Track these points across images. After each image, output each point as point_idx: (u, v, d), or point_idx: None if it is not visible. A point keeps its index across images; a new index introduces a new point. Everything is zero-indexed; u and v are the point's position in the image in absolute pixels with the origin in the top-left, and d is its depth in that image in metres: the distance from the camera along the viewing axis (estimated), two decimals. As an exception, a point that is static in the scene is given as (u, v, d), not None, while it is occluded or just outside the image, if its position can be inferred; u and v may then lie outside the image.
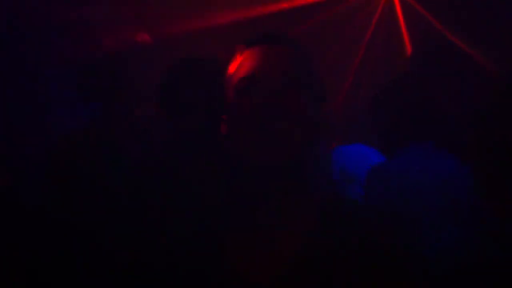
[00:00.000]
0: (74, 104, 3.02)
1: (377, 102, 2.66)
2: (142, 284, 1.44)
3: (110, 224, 2.30)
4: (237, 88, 1.35)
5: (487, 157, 1.97)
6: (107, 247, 2.28)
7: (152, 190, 2.22)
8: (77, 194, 2.44)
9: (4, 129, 3.50)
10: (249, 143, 1.29)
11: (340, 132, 3.29)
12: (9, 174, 2.85)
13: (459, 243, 2.14)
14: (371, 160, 2.89)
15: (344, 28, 5.63)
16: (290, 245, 1.32)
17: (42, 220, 2.44)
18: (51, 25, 3.94)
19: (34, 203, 2.59)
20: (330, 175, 2.74)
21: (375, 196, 2.43)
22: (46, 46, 3.85)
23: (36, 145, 3.16)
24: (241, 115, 1.32)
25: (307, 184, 1.38)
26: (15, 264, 2.29)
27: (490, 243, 1.69)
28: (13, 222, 2.42)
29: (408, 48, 5.44)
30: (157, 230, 1.88)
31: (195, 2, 4.68)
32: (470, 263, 1.68)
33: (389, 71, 4.85)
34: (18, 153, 3.13)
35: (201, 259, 1.36)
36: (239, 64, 1.39)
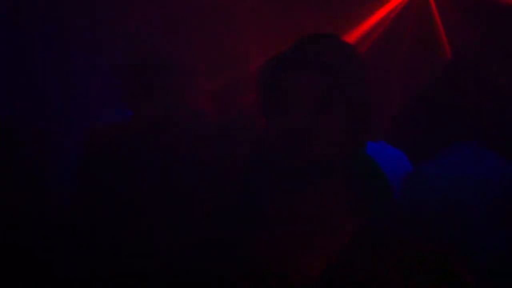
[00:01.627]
0: (111, 101, 3.02)
1: (418, 102, 2.57)
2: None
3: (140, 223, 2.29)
4: (269, 109, 1.38)
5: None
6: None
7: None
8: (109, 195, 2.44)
9: (39, 124, 3.51)
10: (283, 151, 1.32)
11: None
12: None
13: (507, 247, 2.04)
14: (401, 160, 2.77)
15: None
16: (327, 248, 1.31)
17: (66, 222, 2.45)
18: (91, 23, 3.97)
19: (63, 203, 2.58)
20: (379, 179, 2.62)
21: (417, 200, 2.31)
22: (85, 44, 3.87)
23: (70, 141, 3.16)
24: (274, 134, 1.35)
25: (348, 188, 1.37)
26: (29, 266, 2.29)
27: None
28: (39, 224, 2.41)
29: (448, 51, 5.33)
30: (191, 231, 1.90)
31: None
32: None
33: (429, 73, 4.76)
34: (53, 149, 3.12)
35: (235, 259, 1.37)
36: (272, 86, 1.39)
